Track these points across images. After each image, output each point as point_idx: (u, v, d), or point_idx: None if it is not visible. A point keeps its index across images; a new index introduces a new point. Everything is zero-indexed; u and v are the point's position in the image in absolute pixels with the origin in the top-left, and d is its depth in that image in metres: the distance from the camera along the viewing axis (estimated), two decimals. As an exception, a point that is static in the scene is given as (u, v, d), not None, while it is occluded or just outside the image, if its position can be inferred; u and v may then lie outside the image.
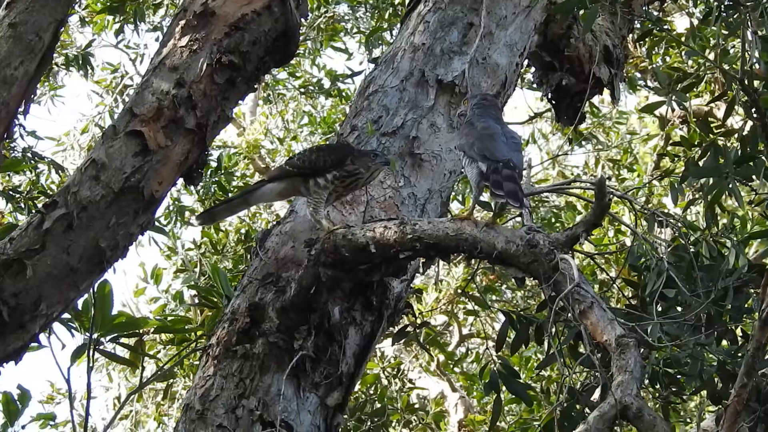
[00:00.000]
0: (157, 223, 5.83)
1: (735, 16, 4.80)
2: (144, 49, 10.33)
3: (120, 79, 10.30)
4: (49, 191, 6.91)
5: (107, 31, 9.37)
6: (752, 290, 4.34)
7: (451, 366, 10.15)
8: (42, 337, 4.03)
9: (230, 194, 7.98)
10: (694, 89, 6.35)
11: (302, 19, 4.97)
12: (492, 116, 4.25)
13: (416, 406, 8.07)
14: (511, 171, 3.69)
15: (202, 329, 5.47)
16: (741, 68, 4.75)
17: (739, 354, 4.20)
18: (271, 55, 4.89)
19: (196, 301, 7.09)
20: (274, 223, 5.01)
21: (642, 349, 3.77)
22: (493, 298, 9.87)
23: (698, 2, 7.60)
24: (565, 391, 4.24)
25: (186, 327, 5.56)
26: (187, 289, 7.78)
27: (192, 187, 7.82)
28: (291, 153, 11.41)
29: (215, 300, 5.62)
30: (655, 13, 6.78)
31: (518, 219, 4.47)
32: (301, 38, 5.25)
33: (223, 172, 7.56)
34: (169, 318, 6.40)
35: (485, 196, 4.59)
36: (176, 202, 9.62)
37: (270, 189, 4.72)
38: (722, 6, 4.85)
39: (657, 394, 4.56)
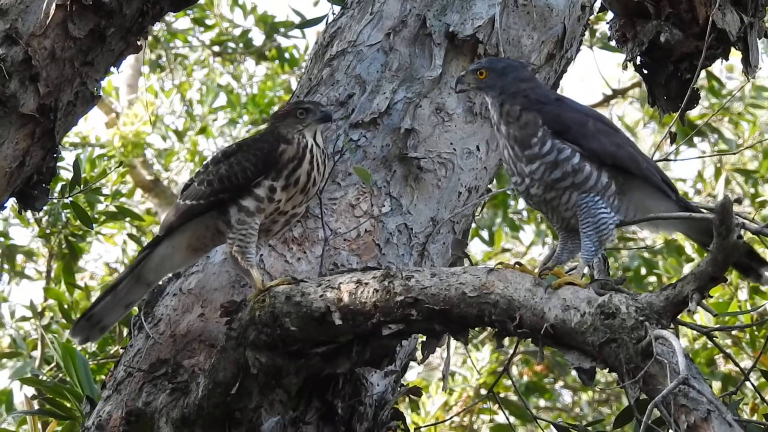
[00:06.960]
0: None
1: None
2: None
3: None
4: None
5: None
6: None
7: None
8: None
9: (95, 228, 7.98)
10: None
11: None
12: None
13: None
14: None
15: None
16: None
17: None
18: (164, -9, 4.92)
19: (36, 406, 7.05)
20: (169, 275, 5.04)
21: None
22: (541, 403, 9.83)
23: None
24: None
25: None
26: (21, 387, 7.75)
27: (30, 213, 7.79)
28: (196, 156, 11.38)
29: (68, 405, 5.59)
30: None
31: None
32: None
33: (83, 187, 7.51)
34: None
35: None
36: (3, 239, 9.64)
37: (172, 248, 4.67)
38: None
39: None
